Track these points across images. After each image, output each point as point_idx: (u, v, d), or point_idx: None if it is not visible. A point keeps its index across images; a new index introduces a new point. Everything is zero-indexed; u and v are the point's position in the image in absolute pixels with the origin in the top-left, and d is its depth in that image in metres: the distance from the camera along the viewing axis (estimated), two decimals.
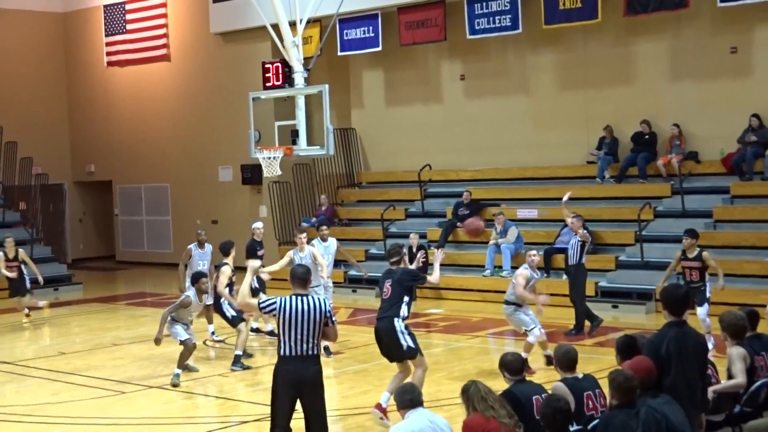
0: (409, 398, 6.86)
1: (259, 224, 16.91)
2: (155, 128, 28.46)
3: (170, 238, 28.32)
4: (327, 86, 16.43)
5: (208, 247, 15.98)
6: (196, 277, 13.11)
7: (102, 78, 29.86)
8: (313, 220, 23.83)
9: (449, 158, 23.15)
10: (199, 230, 16.47)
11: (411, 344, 10.26)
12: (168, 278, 23.51)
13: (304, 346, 7.91)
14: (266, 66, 18.30)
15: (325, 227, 15.85)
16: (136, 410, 11.66)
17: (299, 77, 17.24)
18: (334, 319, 8.15)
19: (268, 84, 18.26)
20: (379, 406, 10.36)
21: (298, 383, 7.96)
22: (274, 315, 8.04)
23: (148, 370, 13.96)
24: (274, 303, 8.02)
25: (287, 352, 7.94)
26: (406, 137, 23.98)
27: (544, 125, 21.89)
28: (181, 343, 12.87)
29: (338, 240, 21.99)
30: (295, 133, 17.28)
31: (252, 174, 25.38)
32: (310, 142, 17.60)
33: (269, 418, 8.32)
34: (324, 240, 15.46)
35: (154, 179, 28.76)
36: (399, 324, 10.24)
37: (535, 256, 13.26)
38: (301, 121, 16.87)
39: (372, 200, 24.10)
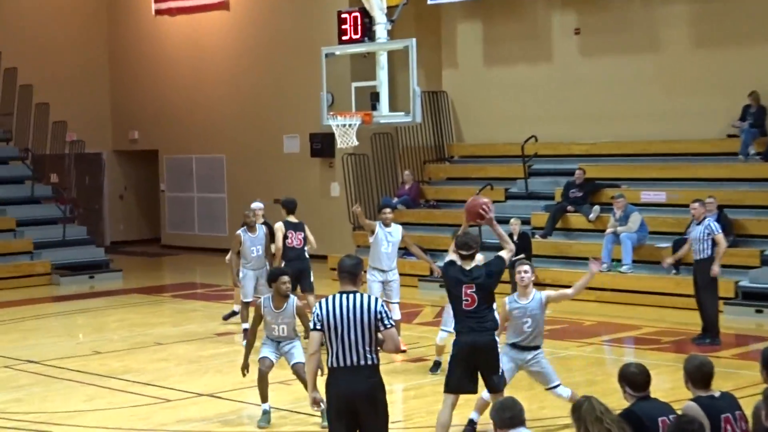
0: (509, 416, 6.76)
1: (257, 204, 16.81)
2: (210, 89, 28.70)
3: (225, 220, 28.58)
4: (414, 41, 16.38)
5: (260, 230, 16.00)
6: (275, 276, 11.44)
7: (149, 29, 30.21)
8: (395, 200, 23.80)
9: (559, 129, 22.94)
10: (247, 211, 16.52)
11: (501, 370, 9.88)
12: (222, 266, 23.63)
13: (354, 354, 7.80)
14: (342, 16, 18.31)
15: (388, 210, 15.66)
16: (183, 421, 11.77)
17: (381, 30, 17.21)
18: (390, 322, 7.89)
19: (344, 38, 18.28)
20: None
21: (351, 400, 7.85)
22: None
23: (197, 374, 14.09)
24: (315, 311, 7.92)
25: (336, 363, 7.85)
26: (508, 103, 23.80)
27: (675, 90, 21.54)
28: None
29: (424, 225, 22.01)
30: (375, 97, 17.27)
31: (323, 144, 25.45)
32: (392, 108, 17.60)
33: None
34: (386, 225, 15.33)
35: (208, 149, 29.03)
36: (498, 342, 9.94)
37: (527, 273, 10.47)
38: (382, 82, 16.87)
39: (465, 178, 24.01)
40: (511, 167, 23.11)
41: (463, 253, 9.70)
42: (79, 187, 27.26)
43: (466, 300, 9.61)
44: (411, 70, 16.24)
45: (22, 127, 26.83)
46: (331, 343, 7.85)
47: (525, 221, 20.96)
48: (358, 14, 17.96)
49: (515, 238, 19.82)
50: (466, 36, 24.69)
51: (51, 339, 17.20)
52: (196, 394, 12.93)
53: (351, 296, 7.88)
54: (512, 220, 20.07)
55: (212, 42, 28.72)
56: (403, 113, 17.47)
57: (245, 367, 11.43)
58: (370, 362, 7.84)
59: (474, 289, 9.58)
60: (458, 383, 9.71)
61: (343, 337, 7.79)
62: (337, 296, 7.90)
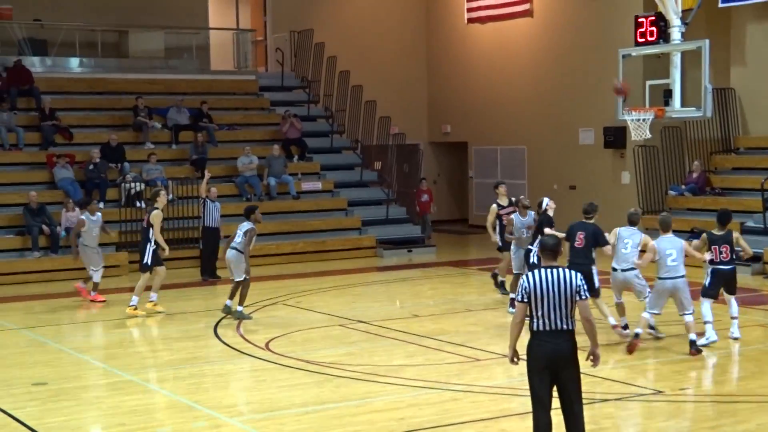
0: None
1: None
2: (513, 87, 28.69)
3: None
4: (707, 42, 15.86)
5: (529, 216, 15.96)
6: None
7: (461, 35, 30.50)
8: (682, 187, 23.22)
9: None
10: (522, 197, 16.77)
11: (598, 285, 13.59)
12: None
13: (557, 320, 8.10)
14: (639, 20, 17.93)
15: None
16: (490, 378, 11.84)
17: (676, 32, 16.78)
18: (585, 294, 8.18)
19: (640, 40, 17.89)
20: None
21: (554, 359, 8.11)
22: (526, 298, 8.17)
23: (504, 338, 14.07)
24: (523, 284, 8.20)
25: (541, 327, 8.15)
26: None
27: None
28: None
29: (709, 211, 21.28)
30: (667, 93, 16.88)
31: (615, 137, 25.01)
32: (683, 103, 17.07)
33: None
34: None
35: (511, 141, 29.03)
36: (594, 270, 13.57)
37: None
38: (675, 80, 16.49)
39: (750, 168, 23.00)
40: None
41: (588, 215, 13.71)
42: (399, 173, 27.83)
43: (577, 241, 13.64)
44: (704, 68, 15.72)
45: (353, 122, 27.67)
46: (536, 310, 8.13)
47: None
48: (653, 18, 17.53)
49: None
50: (756, 36, 23.50)
51: (376, 303, 17.66)
52: (502, 356, 12.87)
53: (555, 270, 8.17)
54: None
55: (517, 45, 28.66)
56: (694, 108, 16.93)
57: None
58: (569, 327, 8.13)
59: (585, 235, 13.57)
60: None
61: (547, 305, 8.08)
62: (543, 271, 8.18)
